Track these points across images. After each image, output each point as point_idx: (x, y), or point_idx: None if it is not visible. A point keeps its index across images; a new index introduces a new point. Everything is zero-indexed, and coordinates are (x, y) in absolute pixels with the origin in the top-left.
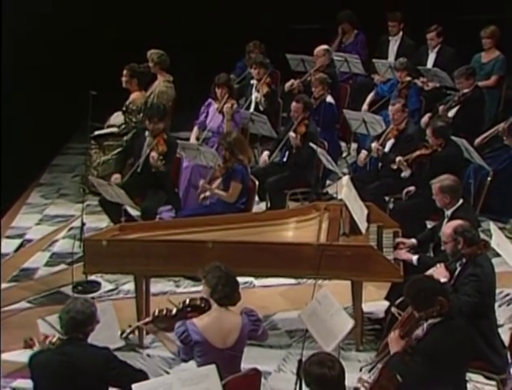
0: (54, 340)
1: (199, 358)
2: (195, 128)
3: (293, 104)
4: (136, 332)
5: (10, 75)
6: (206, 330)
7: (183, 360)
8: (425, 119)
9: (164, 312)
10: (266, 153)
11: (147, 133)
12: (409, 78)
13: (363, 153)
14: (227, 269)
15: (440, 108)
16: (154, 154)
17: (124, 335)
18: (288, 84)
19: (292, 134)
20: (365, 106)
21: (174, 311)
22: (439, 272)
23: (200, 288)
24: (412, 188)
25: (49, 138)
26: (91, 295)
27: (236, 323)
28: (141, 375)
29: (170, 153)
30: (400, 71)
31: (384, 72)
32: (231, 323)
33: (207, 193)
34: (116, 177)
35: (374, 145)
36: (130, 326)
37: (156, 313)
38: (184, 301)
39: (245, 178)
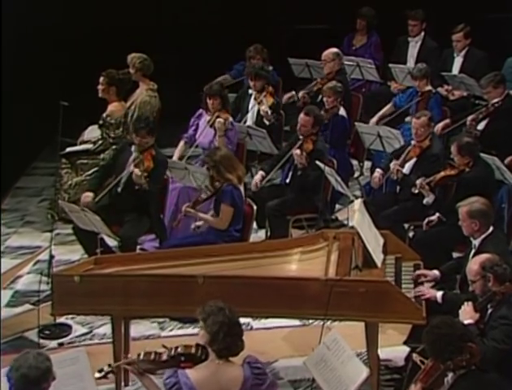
0: None
1: None
2: (181, 143)
3: (302, 117)
4: (113, 384)
5: None
6: (201, 385)
7: None
8: (439, 126)
9: (152, 356)
10: (260, 173)
11: (133, 148)
12: (429, 87)
13: (378, 172)
14: (232, 312)
15: (469, 119)
16: (136, 170)
17: (102, 374)
18: (286, 96)
19: (297, 151)
20: (374, 119)
21: (164, 357)
22: (465, 312)
23: (188, 330)
24: (435, 217)
25: (13, 156)
26: (60, 340)
27: (237, 378)
28: None
29: (156, 171)
30: (418, 79)
31: (403, 79)
32: (230, 378)
33: (200, 222)
34: (87, 195)
35: (393, 164)
36: (109, 365)
37: (141, 356)
38: (177, 348)
39: (236, 200)
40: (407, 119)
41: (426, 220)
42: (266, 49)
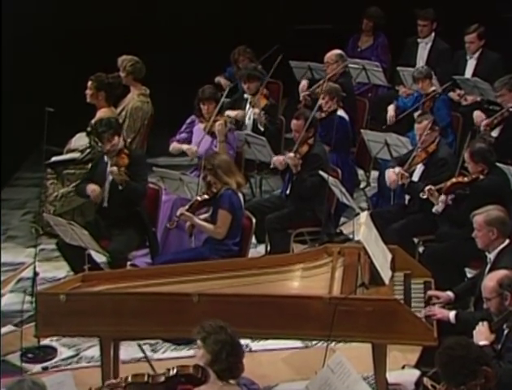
0: None
1: None
2: (174, 144)
3: (293, 122)
4: None
5: None
6: None
7: None
8: (481, 115)
9: (146, 378)
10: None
11: (106, 158)
12: (433, 88)
13: (390, 171)
14: (233, 332)
15: (483, 124)
16: (113, 168)
17: None
18: (302, 85)
19: (289, 154)
20: (391, 112)
21: (160, 378)
22: (480, 332)
23: (182, 352)
24: (443, 197)
25: None
26: (45, 364)
27: None
28: None
29: (135, 166)
30: (420, 81)
31: (412, 83)
32: None
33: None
34: (94, 189)
35: (398, 169)
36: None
37: (130, 378)
38: (173, 369)
39: (234, 206)
40: (416, 114)
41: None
42: (250, 49)
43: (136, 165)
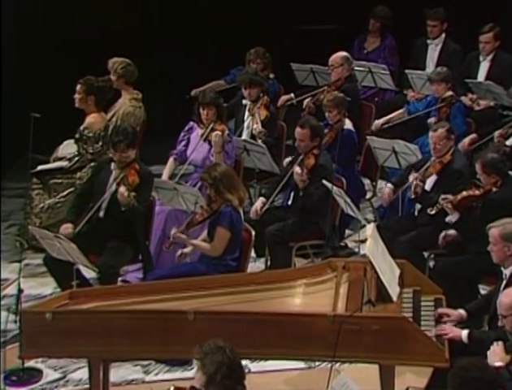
0: None
1: None
2: (170, 160)
3: (297, 130)
4: None
5: None
6: None
7: None
8: (465, 141)
9: None
10: (261, 200)
11: (113, 166)
12: (450, 93)
13: (388, 187)
14: (233, 353)
15: (496, 133)
16: (122, 189)
17: None
18: (283, 99)
19: (297, 169)
20: (381, 120)
21: None
22: (494, 353)
23: (176, 374)
24: (452, 231)
25: None
26: (29, 387)
27: None
28: None
29: (144, 187)
30: (436, 83)
31: (421, 87)
32: None
33: (187, 249)
34: (67, 227)
35: (412, 177)
36: None
37: None
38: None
39: (234, 224)
40: (429, 120)
41: (442, 233)
42: (268, 53)
43: (145, 185)
